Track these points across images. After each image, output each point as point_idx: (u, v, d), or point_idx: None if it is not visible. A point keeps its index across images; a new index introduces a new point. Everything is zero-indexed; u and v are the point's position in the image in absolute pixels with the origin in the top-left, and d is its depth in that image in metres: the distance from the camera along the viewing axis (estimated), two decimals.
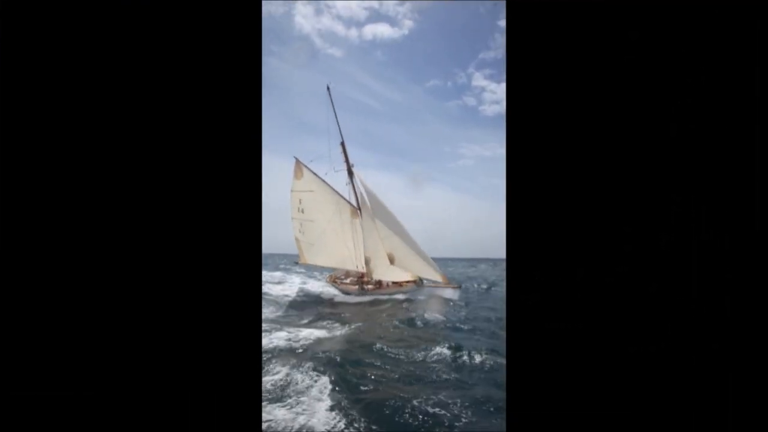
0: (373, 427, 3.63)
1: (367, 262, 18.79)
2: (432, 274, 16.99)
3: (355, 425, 4.21)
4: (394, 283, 18.58)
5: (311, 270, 23.13)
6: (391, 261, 17.36)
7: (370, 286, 19.00)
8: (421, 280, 17.89)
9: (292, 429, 2.54)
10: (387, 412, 4.60)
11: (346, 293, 19.12)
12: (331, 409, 4.62)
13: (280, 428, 2.56)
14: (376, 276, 18.86)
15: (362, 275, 19.62)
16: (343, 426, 4.32)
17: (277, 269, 32.51)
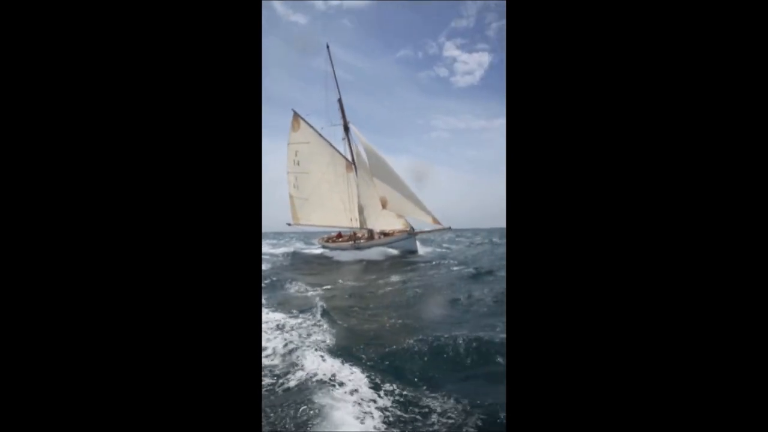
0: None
1: (360, 210, 19.35)
2: (422, 215, 17.61)
3: None
4: (384, 234, 19.15)
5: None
6: (384, 205, 17.95)
7: (362, 240, 19.54)
8: (412, 228, 18.46)
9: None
10: None
11: (341, 250, 19.65)
12: None
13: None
14: (369, 224, 19.38)
15: (354, 233, 20.15)
16: None
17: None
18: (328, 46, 19.44)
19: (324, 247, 21.27)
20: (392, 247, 17.70)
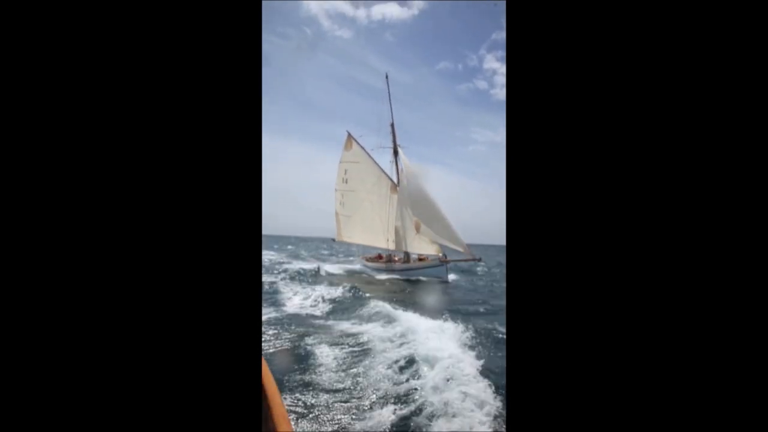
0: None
1: (396, 231, 19.60)
2: (453, 244, 17.23)
3: None
4: (420, 258, 19.07)
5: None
6: (417, 229, 18.01)
7: (397, 262, 19.76)
8: (444, 255, 18.11)
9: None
10: None
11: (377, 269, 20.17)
12: None
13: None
14: (404, 247, 19.48)
15: (391, 256, 20.46)
16: None
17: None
18: (387, 76, 20.82)
19: (363, 264, 21.83)
20: (423, 274, 17.50)
